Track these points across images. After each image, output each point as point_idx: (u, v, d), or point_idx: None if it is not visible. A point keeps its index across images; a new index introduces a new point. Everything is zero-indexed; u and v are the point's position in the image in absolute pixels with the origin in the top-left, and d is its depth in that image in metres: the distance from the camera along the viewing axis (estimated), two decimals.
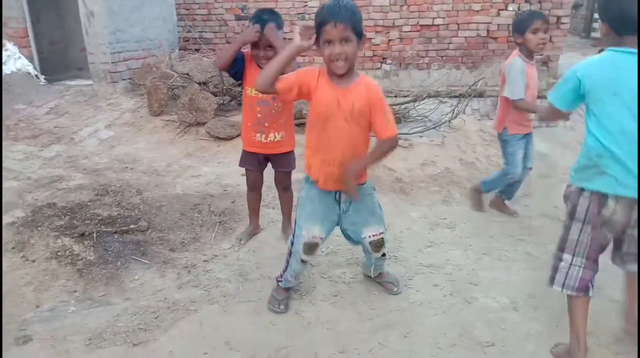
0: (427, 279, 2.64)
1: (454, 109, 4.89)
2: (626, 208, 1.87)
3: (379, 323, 2.28)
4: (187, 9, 8.25)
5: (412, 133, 4.63)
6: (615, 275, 2.56)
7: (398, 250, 2.95)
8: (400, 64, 7.55)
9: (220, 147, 4.38)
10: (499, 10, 7.03)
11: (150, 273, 2.69)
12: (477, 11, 7.11)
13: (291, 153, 2.95)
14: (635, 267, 2.00)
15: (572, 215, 1.98)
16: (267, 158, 2.92)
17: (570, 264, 2.00)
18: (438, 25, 7.31)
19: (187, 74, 5.33)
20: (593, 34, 10.72)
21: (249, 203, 3.08)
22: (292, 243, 2.32)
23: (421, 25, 7.30)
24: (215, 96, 4.87)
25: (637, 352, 1.97)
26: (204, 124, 4.63)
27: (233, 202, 3.48)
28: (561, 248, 2.02)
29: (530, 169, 3.38)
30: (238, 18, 8.12)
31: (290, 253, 2.33)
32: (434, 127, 4.70)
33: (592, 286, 2.01)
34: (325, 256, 2.85)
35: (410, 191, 3.82)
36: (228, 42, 8.22)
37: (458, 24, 7.22)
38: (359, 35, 1.98)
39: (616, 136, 1.83)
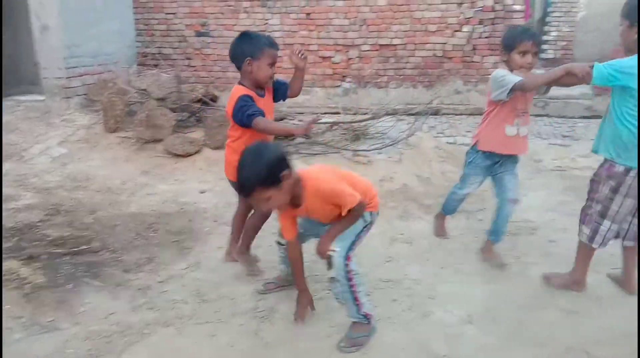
0: (385, 294, 2.65)
1: (411, 127, 4.99)
2: None
3: (339, 341, 2.27)
4: (146, 24, 8.16)
5: (371, 150, 4.69)
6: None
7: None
8: (359, 82, 7.68)
9: (178, 164, 4.31)
10: (454, 31, 7.28)
11: (103, 296, 2.60)
12: (433, 32, 7.33)
13: None
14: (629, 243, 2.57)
15: (616, 190, 2.43)
16: None
17: (608, 229, 2.49)
18: (396, 45, 7.49)
19: (145, 89, 5.24)
20: (543, 55, 11.19)
21: (253, 234, 2.86)
22: None
23: (380, 45, 7.46)
24: (174, 112, 4.80)
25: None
26: (161, 140, 4.55)
27: (190, 221, 3.42)
28: (603, 216, 2.49)
29: (515, 201, 2.92)
30: (199, 34, 8.09)
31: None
32: (392, 145, 4.78)
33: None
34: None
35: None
36: (188, 59, 8.17)
37: (415, 44, 7.42)
38: (276, 183, 1.99)
39: None
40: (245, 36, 2.58)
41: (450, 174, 4.37)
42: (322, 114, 5.88)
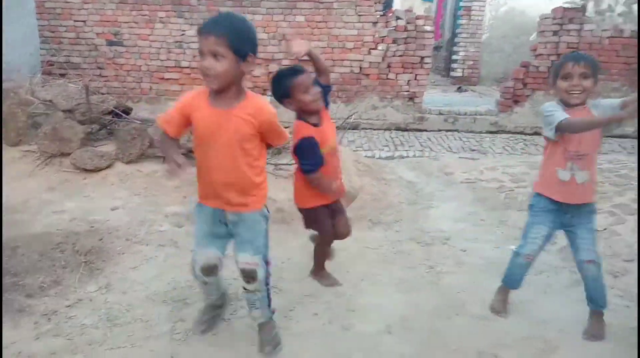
0: (307, 309, 2.66)
1: None
2: None
3: (260, 350, 2.24)
4: (53, 32, 7.70)
5: (293, 164, 4.71)
6: (478, 295, 2.82)
7: (280, 281, 2.94)
8: None
9: (87, 179, 4.06)
10: (370, 49, 7.55)
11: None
12: (350, 49, 7.55)
13: None
14: None
15: None
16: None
17: None
18: None
19: (51, 100, 4.91)
20: (452, 73, 11.89)
21: (323, 257, 2.94)
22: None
23: (299, 60, 7.54)
24: (83, 124, 4.54)
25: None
26: (68, 155, 4.28)
27: (101, 240, 3.23)
28: None
29: (592, 263, 2.42)
30: (110, 43, 7.76)
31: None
32: None
33: None
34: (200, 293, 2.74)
35: (291, 221, 3.85)
36: (99, 68, 7.81)
37: (334, 60, 7.60)
38: (241, 53, 1.85)
39: None
40: (273, 81, 2.56)
41: (369, 187, 4.48)
42: None
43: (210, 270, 2.19)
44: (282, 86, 2.51)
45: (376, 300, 2.77)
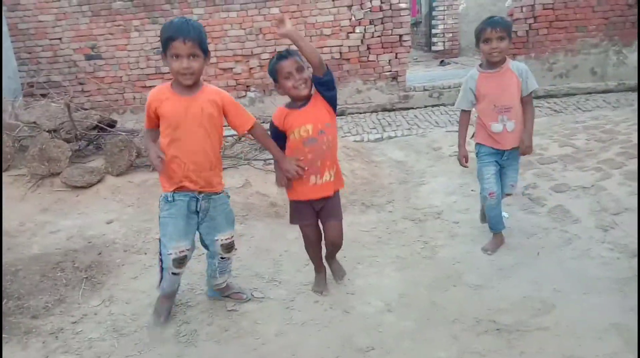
0: (307, 297, 2.71)
1: None
2: None
3: (265, 352, 2.29)
4: (30, 53, 7.68)
5: None
6: (473, 265, 2.87)
7: (279, 273, 2.99)
8: (264, 90, 7.72)
9: (80, 196, 4.09)
10: (348, 33, 7.53)
11: (10, 348, 2.42)
12: (328, 36, 7.54)
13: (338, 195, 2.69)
14: None
15: None
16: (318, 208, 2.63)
17: None
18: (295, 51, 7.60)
19: (35, 122, 4.91)
20: (433, 48, 11.87)
21: (313, 257, 2.81)
22: (161, 260, 2.45)
23: (279, 52, 7.52)
24: (69, 142, 4.55)
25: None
26: (58, 174, 4.30)
27: (99, 254, 3.27)
28: None
29: (509, 195, 3.10)
30: (89, 58, 7.74)
31: (162, 269, 2.47)
32: None
33: None
34: (202, 294, 2.78)
35: (285, 213, 3.88)
36: (81, 84, 7.79)
37: None
38: (206, 52, 2.25)
39: None
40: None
41: (359, 172, 4.52)
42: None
43: (183, 262, 2.43)
44: (270, 70, 2.52)
45: (374, 280, 2.82)
